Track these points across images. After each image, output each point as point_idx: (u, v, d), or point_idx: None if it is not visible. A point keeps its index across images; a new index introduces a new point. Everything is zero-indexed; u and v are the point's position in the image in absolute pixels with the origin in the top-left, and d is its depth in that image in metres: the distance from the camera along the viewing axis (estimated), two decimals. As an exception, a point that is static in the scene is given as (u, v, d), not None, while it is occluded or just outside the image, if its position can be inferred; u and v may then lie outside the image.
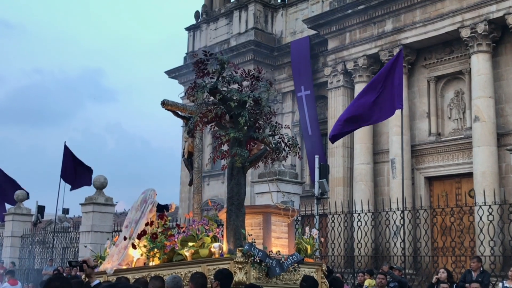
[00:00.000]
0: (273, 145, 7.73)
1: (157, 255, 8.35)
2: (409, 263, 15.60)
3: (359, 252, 15.65)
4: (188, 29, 30.28)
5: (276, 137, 7.87)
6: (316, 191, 16.08)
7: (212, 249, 7.79)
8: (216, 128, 7.81)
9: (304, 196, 19.32)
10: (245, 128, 7.56)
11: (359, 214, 14.99)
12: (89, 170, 21.43)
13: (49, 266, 19.68)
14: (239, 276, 7.21)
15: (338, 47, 22.87)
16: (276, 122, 7.87)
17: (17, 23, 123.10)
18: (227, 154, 7.56)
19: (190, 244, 8.07)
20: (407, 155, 19.74)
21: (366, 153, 21.46)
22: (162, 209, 9.24)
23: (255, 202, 16.25)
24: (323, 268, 8.50)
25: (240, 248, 7.31)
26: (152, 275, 7.47)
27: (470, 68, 19.46)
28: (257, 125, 7.76)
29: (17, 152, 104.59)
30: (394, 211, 14.54)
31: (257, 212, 8.22)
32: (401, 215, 14.29)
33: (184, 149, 9.78)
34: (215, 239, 8.11)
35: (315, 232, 9.02)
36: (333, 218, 15.31)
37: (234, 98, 7.43)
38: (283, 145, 7.79)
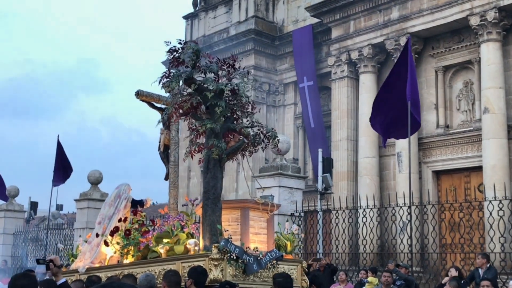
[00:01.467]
0: (252, 137, 7.73)
1: (131, 252, 8.35)
2: (416, 261, 15.63)
3: (364, 249, 15.69)
4: (185, 17, 30.22)
5: (255, 128, 7.87)
6: (320, 186, 16.10)
7: (188, 246, 7.82)
8: (192, 120, 7.81)
9: (307, 191, 19.34)
10: (222, 119, 7.56)
11: (364, 209, 15.01)
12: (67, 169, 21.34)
13: (43, 264, 19.75)
14: (214, 274, 7.25)
15: (342, 36, 22.83)
16: (252, 111, 7.82)
17: (7, 11, 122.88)
18: (204, 147, 7.54)
19: (165, 240, 8.08)
20: (414, 148, 19.74)
21: (372, 147, 21.46)
22: (136, 204, 9.26)
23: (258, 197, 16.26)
24: (303, 265, 8.55)
25: (215, 245, 7.33)
26: (125, 273, 7.54)
27: (480, 58, 19.43)
28: (234, 116, 7.76)
29: (8, 146, 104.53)
30: (401, 207, 14.55)
31: (234, 207, 8.29)
32: (408, 210, 14.31)
33: (160, 142, 9.79)
34: (191, 235, 8.13)
35: (295, 228, 9.10)
36: (337, 214, 15.33)
37: (210, 88, 7.41)
38: (262, 136, 7.80)
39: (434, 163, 20.70)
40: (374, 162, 21.49)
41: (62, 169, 21.20)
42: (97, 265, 8.74)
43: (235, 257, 7.41)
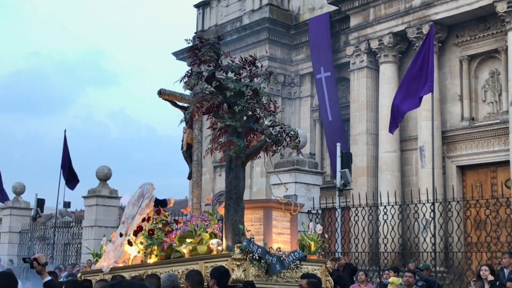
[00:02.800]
0: (274, 137, 7.92)
1: (154, 252, 8.56)
2: (440, 260, 15.57)
3: (385, 248, 15.66)
4: (197, 6, 30.23)
5: (277, 128, 8.05)
6: (338, 182, 16.08)
7: (211, 246, 7.99)
8: (213, 119, 8.01)
9: (325, 187, 19.33)
10: (244, 118, 7.78)
11: (385, 206, 14.98)
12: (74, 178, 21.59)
13: (50, 264, 19.91)
14: (237, 274, 7.43)
15: (361, 24, 22.73)
16: (275, 110, 8.04)
17: (12, 2, 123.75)
18: (225, 146, 7.73)
19: (188, 240, 8.26)
20: (437, 142, 19.64)
21: (393, 140, 21.39)
22: (160, 204, 9.46)
23: (272, 194, 16.27)
24: (328, 266, 8.71)
25: (238, 245, 7.52)
26: (149, 273, 7.72)
27: (507, 46, 19.25)
28: (256, 116, 7.95)
29: (14, 141, 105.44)
30: (424, 204, 14.51)
31: (257, 207, 8.48)
32: (431, 207, 14.24)
33: (182, 141, 9.94)
34: (214, 235, 8.30)
35: (319, 228, 9.24)
36: (356, 211, 15.31)
37: (231, 86, 7.59)
38: (284, 135, 7.97)
39: (459, 157, 20.58)
40: (395, 157, 21.42)
41: (70, 168, 21.40)
42: (121, 265, 8.93)
43: (257, 257, 7.58)
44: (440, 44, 21.01)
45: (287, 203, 8.62)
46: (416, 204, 14.86)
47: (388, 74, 21.90)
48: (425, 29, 20.35)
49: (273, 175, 16.09)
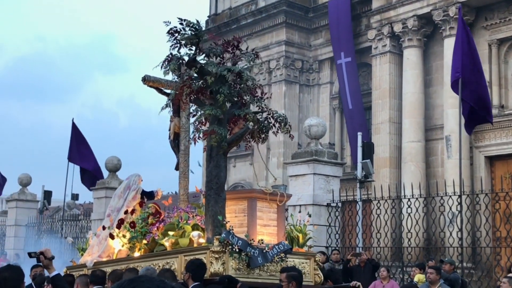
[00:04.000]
0: (260, 123, 8.01)
1: (137, 245, 8.73)
2: (467, 256, 15.49)
3: (409, 243, 15.60)
4: (210, -12, 30.18)
5: (265, 114, 8.14)
6: (359, 173, 16.04)
7: (192, 238, 8.13)
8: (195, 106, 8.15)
9: (345, 179, 19.29)
10: (227, 105, 7.84)
11: (408, 199, 14.92)
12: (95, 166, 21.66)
13: (58, 258, 20.13)
14: (215, 267, 7.57)
15: (383, 7, 22.56)
16: (262, 96, 8.08)
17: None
18: (207, 134, 7.80)
19: (171, 233, 8.39)
20: (464, 131, 19.50)
21: (417, 129, 21.28)
22: (147, 196, 9.64)
23: (289, 186, 16.29)
24: (317, 259, 8.81)
25: (217, 237, 7.64)
26: (131, 267, 7.93)
27: (540, 29, 19.03)
28: (241, 101, 8.01)
29: (19, 130, 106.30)
30: (450, 196, 14.44)
31: (241, 198, 8.59)
32: (458, 200, 14.16)
33: (170, 130, 10.03)
34: (196, 227, 8.40)
35: (306, 219, 9.32)
36: (378, 204, 15.27)
37: (212, 71, 7.63)
38: (272, 121, 8.05)
39: (487, 147, 20.42)
40: (420, 147, 21.31)
41: (82, 156, 21.46)
42: (104, 259, 9.12)
43: (237, 250, 7.68)
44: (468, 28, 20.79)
45: (272, 193, 8.68)
46: (442, 196, 14.79)
47: (413, 59, 21.74)
48: (452, 11, 20.16)
49: (290, 166, 16.09)
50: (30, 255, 6.61)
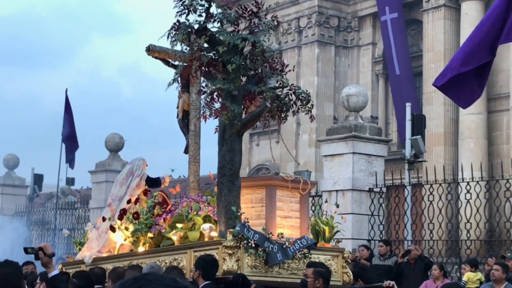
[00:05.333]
0: (280, 101, 8.18)
1: (142, 239, 8.89)
2: (538, 251, 15.30)
3: (468, 235, 15.44)
4: None
5: (285, 89, 8.32)
6: (408, 152, 15.87)
7: (202, 231, 8.29)
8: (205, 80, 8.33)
9: (391, 159, 19.14)
10: (241, 79, 8.02)
11: (467, 183, 14.75)
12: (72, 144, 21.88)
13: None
14: (228, 264, 7.75)
15: (437, -49, 22.23)
16: (283, 69, 8.23)
17: None
18: (219, 112, 7.97)
19: (179, 226, 8.54)
20: (535, 100, 19.22)
21: (478, 99, 21.01)
22: (153, 183, 9.79)
23: (323, 168, 16.20)
24: (345, 255, 8.96)
25: (230, 230, 7.79)
26: (134, 264, 8.12)
27: None
28: (259, 76, 8.15)
29: (3, 103, 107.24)
30: (518, 179, 14.28)
31: (258, 186, 8.74)
32: (528, 184, 13.98)
33: (178, 107, 10.14)
34: (208, 219, 8.56)
35: (334, 209, 9.39)
36: (431, 189, 15.13)
37: (224, 40, 7.78)
38: (294, 98, 8.23)
39: None
40: (481, 120, 21.08)
41: (72, 136, 21.61)
42: (105, 255, 9.28)
43: (253, 245, 7.82)
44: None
45: (294, 180, 8.79)
46: (508, 179, 14.62)
47: (472, 14, 21.42)
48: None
49: (324, 144, 15.98)
50: (26, 250, 6.64)
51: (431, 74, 22.26)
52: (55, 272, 6.20)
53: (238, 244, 7.78)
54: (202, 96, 8.44)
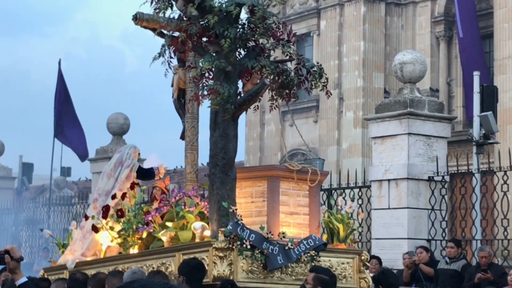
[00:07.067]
0: (286, 76, 8.29)
1: (129, 240, 9.14)
2: None
3: (552, 233, 15.39)
4: None
5: (293, 63, 8.48)
6: (476, 132, 15.80)
7: (194, 231, 8.52)
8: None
9: (455, 141, 19.08)
10: (235, 52, 8.14)
11: (551, 169, 14.67)
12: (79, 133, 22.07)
13: (43, 258, 20.51)
14: (219, 269, 7.94)
15: None
16: (289, 39, 8.31)
17: None
18: (211, 92, 8.11)
19: (169, 224, 8.77)
20: None
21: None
22: (145, 175, 10.06)
23: (372, 152, 16.17)
24: (363, 258, 9.08)
25: (222, 229, 7.99)
26: (120, 269, 8.41)
27: None
28: (260, 47, 8.30)
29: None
30: None
31: (259, 177, 8.91)
32: None
33: (172, 85, 10.31)
34: (202, 216, 8.78)
35: (349, 205, 9.53)
36: (505, 177, 15.04)
37: (215, 7, 7.92)
38: (304, 72, 8.36)
39: None
40: None
41: (70, 115, 21.75)
42: (89, 259, 9.50)
43: (249, 246, 8.00)
44: None
45: (301, 170, 8.89)
46: None
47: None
48: None
49: (373, 124, 15.92)
50: None
51: (503, 36, 22.10)
52: (23, 279, 6.29)
53: (230, 246, 7.94)
54: (192, 73, 8.66)
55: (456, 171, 16.05)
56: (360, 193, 15.95)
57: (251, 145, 29.90)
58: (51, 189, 24.54)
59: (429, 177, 15.09)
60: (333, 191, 16.54)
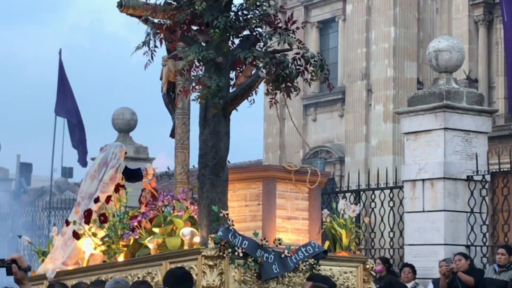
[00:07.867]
0: (283, 68, 8.34)
1: (113, 247, 9.24)
2: None
3: None
4: None
5: (293, 53, 8.49)
6: (520, 126, 15.72)
7: (182, 238, 8.66)
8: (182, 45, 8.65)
9: (496, 136, 19.00)
10: (228, 42, 8.28)
11: None
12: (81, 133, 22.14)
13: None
14: (209, 279, 8.04)
15: None
16: (287, 27, 8.35)
17: None
18: (200, 85, 8.25)
19: (156, 230, 8.91)
20: None
21: None
22: (132, 176, 10.18)
23: (404, 150, 16.11)
24: (368, 267, 9.21)
25: (211, 236, 8.11)
26: (97, 280, 8.52)
27: None
28: (256, 36, 8.45)
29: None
30: None
31: (253, 178, 9.03)
32: None
33: (161, 78, 10.43)
34: (192, 221, 8.93)
35: (352, 208, 9.65)
36: (553, 177, 15.01)
37: None
38: (302, 63, 8.45)
39: None
40: None
41: (72, 113, 21.81)
42: (70, 268, 9.59)
43: (241, 254, 8.10)
44: None
45: (299, 171, 9.02)
46: None
47: None
48: None
49: (405, 118, 15.85)
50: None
51: (552, 19, 21.98)
52: None
53: (221, 253, 8.03)
54: (179, 65, 8.67)
55: (497, 170, 16.02)
56: (391, 195, 15.91)
57: (270, 142, 29.84)
58: (51, 192, 24.61)
59: (467, 176, 15.02)
60: (361, 192, 16.52)
